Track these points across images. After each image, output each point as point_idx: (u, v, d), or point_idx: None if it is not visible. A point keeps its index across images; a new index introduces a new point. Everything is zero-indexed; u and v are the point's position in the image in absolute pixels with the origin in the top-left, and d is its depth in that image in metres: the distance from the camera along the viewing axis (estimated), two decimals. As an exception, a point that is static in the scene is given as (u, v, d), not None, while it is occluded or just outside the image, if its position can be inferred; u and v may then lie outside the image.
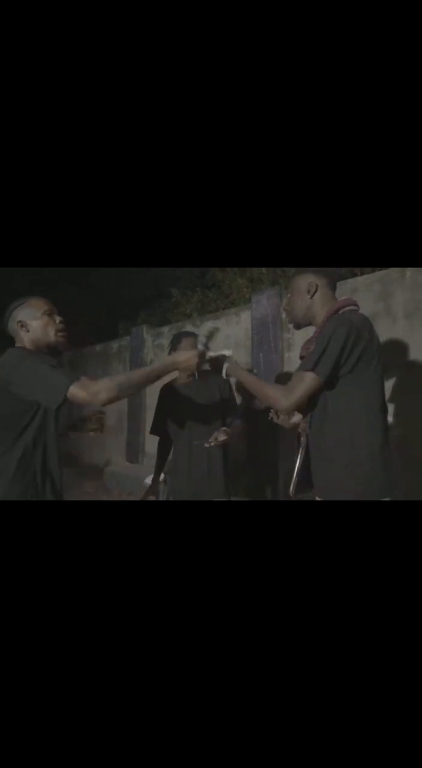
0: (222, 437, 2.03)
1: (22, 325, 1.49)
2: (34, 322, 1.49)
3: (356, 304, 1.53)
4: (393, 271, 2.74)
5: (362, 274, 3.04)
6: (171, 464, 2.30)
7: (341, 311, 1.48)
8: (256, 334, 3.54)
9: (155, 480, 2.35)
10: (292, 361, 3.31)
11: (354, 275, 3.11)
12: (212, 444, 2.04)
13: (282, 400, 1.42)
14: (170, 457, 2.31)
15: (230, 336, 3.85)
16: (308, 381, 1.37)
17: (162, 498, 2.45)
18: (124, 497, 4.72)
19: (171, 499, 2.33)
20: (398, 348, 2.69)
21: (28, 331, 1.49)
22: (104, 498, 4.74)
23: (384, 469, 1.39)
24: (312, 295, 1.53)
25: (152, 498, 2.31)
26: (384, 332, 2.75)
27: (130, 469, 4.99)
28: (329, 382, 1.39)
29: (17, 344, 1.51)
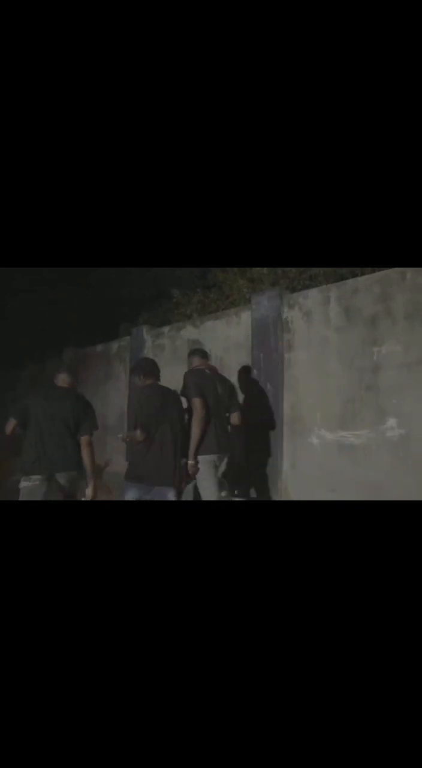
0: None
1: None
2: None
3: (206, 367, 2.92)
4: (393, 272, 2.73)
5: (363, 274, 3.04)
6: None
7: (192, 369, 2.87)
8: (257, 334, 3.53)
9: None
10: (292, 361, 3.31)
11: (355, 275, 3.10)
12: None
13: (195, 427, 2.68)
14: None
15: (230, 337, 3.85)
16: (198, 404, 2.68)
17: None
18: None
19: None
20: (398, 349, 2.69)
21: None
22: (104, 498, 4.72)
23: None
24: (190, 365, 2.96)
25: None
26: (385, 333, 2.76)
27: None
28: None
29: None
